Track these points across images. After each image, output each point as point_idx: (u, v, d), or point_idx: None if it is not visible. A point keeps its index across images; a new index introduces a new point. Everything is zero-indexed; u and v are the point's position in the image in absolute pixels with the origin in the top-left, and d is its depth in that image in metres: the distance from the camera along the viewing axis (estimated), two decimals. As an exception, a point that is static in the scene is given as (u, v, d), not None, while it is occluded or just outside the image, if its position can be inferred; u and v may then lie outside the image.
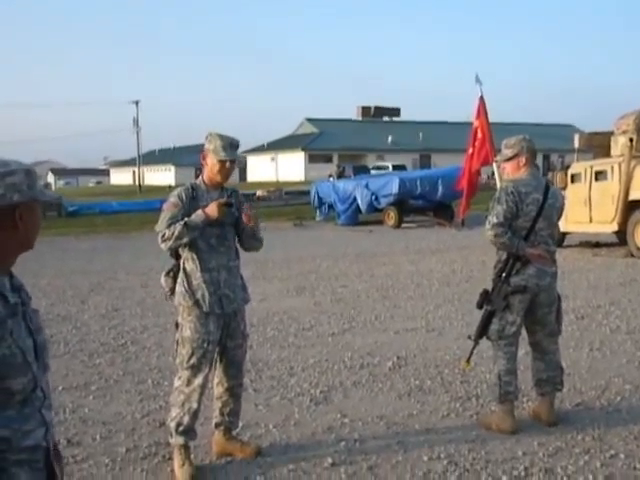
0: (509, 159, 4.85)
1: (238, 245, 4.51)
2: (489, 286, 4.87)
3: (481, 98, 6.80)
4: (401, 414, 5.22)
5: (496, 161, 4.79)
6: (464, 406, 5.34)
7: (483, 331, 4.86)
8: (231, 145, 4.26)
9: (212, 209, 4.19)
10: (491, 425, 4.82)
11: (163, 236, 4.22)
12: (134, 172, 74.91)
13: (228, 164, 4.27)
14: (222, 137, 4.28)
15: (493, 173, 28.25)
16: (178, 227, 4.16)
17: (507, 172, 4.93)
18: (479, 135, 7.15)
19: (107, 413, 5.45)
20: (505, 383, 4.78)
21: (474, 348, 5.04)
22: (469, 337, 5.09)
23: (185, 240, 4.19)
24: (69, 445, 4.79)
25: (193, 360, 4.29)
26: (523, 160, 4.81)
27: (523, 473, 4.14)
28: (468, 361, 5.11)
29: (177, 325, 4.42)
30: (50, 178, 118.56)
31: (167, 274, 4.43)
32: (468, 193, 7.56)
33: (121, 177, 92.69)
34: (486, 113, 6.88)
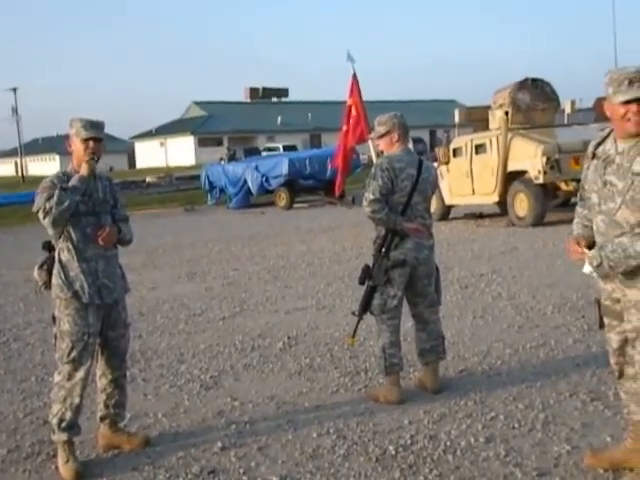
0: (382, 136, 4.94)
1: None
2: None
3: (354, 76, 6.82)
4: (291, 393, 5.25)
5: (371, 138, 4.89)
6: (353, 380, 5.43)
7: (366, 306, 4.95)
8: (92, 124, 4.18)
9: (82, 167, 4.14)
10: (379, 397, 4.92)
11: (44, 210, 4.04)
12: (16, 163, 71.92)
13: (92, 143, 4.16)
14: (82, 119, 4.20)
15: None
16: (56, 193, 4.02)
17: (381, 148, 5.02)
18: (353, 113, 7.19)
19: (-13, 415, 5.23)
20: (389, 355, 4.88)
21: (358, 323, 5.13)
22: (353, 313, 5.17)
23: (66, 204, 4.01)
24: (-54, 451, 4.58)
25: (74, 354, 4.17)
26: (395, 136, 4.90)
27: (409, 441, 4.25)
28: (353, 336, 5.19)
29: (54, 319, 4.29)
30: None
31: (40, 267, 4.27)
32: (343, 170, 7.59)
33: (2, 169, 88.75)
34: (359, 91, 6.90)
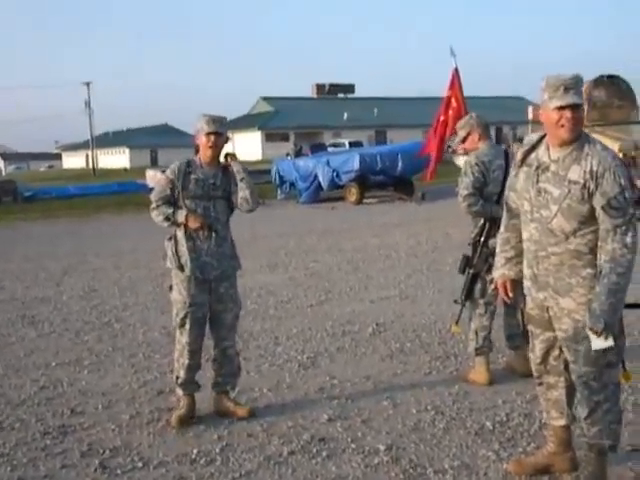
0: (464, 139, 5.27)
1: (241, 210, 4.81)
2: (456, 255, 5.23)
3: (456, 70, 7.08)
4: (386, 374, 5.56)
5: (453, 149, 5.26)
6: (444, 364, 5.71)
7: (469, 293, 5.20)
8: (214, 120, 4.65)
9: (192, 220, 4.63)
10: (468, 378, 5.20)
11: (153, 209, 4.75)
12: (87, 155, 73.89)
13: (213, 137, 4.63)
14: (205, 115, 4.69)
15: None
16: (161, 217, 4.68)
17: (466, 151, 5.33)
18: (454, 104, 7.42)
19: (104, 385, 5.67)
20: (481, 338, 5.18)
21: (462, 311, 5.36)
22: (455, 301, 5.39)
23: (159, 221, 4.74)
24: (73, 414, 5.02)
25: (178, 319, 4.73)
26: (477, 135, 5.24)
27: (505, 418, 4.53)
28: (457, 323, 5.43)
29: (170, 287, 4.78)
30: (0, 163, 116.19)
31: (168, 240, 4.81)
32: (437, 158, 7.78)
33: (74, 161, 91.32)
34: (460, 84, 7.15)
